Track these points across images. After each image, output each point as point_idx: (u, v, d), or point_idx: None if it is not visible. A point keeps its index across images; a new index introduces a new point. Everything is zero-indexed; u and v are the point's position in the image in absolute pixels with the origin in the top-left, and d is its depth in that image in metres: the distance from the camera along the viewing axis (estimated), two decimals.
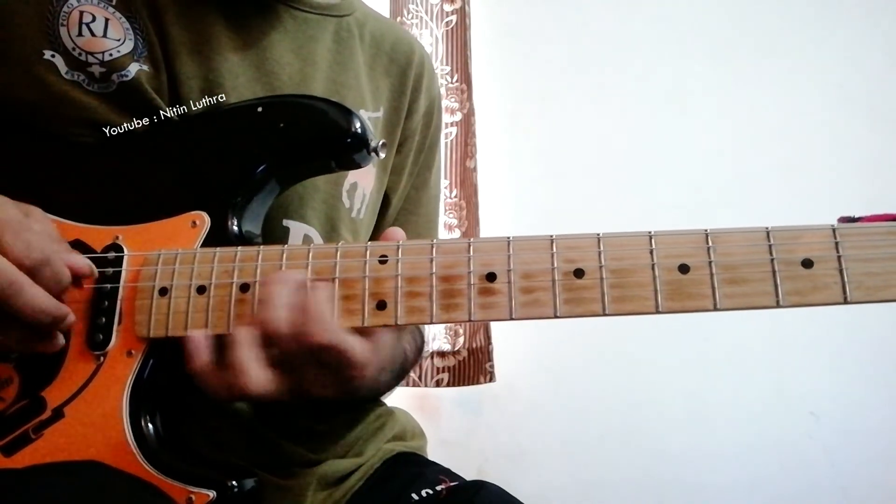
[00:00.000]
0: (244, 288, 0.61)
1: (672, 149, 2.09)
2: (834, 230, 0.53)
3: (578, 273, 0.55)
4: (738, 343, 1.94)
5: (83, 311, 0.63)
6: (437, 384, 1.93)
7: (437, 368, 1.94)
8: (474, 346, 1.93)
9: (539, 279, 0.56)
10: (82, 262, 0.62)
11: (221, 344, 0.58)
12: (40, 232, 0.58)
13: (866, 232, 0.53)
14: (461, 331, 1.94)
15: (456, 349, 1.94)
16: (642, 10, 2.18)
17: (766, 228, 0.54)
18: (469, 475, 0.79)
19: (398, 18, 2.07)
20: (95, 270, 0.63)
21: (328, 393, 0.59)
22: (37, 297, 0.55)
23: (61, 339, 0.61)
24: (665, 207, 1.97)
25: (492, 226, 2.03)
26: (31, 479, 0.58)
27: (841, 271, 0.52)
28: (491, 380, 1.93)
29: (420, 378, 1.93)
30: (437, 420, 1.97)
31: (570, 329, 1.87)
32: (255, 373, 0.56)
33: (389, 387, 0.79)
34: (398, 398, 0.92)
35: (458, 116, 2.03)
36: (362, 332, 0.58)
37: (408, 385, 1.91)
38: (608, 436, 1.95)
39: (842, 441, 1.91)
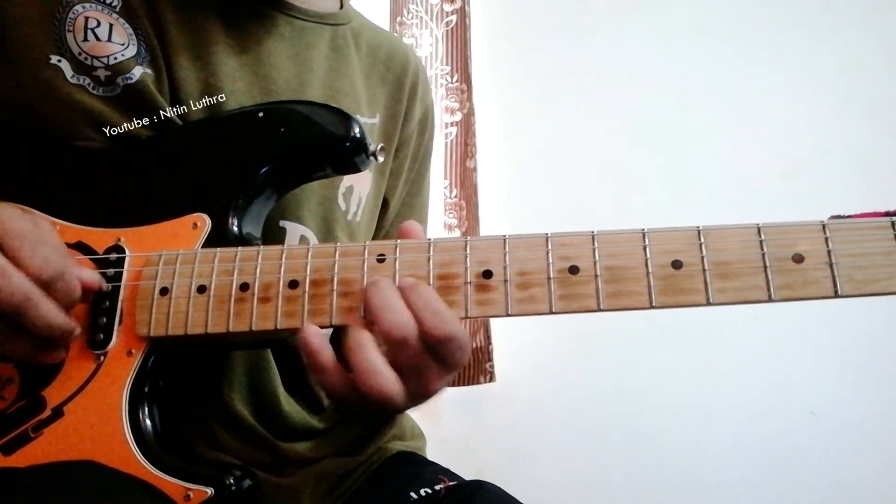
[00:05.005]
0: (244, 287, 0.61)
1: (671, 149, 2.09)
2: (824, 226, 0.53)
3: (573, 270, 0.56)
4: (738, 343, 1.94)
5: (84, 312, 0.63)
6: None
7: None
8: (474, 345, 1.93)
9: (534, 276, 0.56)
10: (93, 277, 0.62)
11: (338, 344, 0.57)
12: (53, 245, 0.59)
13: (856, 227, 0.53)
14: None
15: None
16: (642, 10, 2.19)
17: (758, 225, 0.54)
18: (468, 475, 0.79)
19: (398, 18, 2.08)
20: (105, 285, 0.64)
21: (441, 387, 0.58)
22: (50, 312, 0.56)
23: (63, 353, 0.62)
24: (664, 208, 1.97)
25: (492, 226, 2.03)
26: (29, 479, 0.58)
27: (831, 265, 0.52)
28: (491, 380, 1.93)
29: None
30: (437, 420, 1.96)
31: (571, 329, 1.87)
32: (388, 372, 0.54)
33: None
34: None
35: (458, 116, 2.03)
36: None
37: None
38: (608, 436, 1.95)
39: (842, 441, 1.91)
